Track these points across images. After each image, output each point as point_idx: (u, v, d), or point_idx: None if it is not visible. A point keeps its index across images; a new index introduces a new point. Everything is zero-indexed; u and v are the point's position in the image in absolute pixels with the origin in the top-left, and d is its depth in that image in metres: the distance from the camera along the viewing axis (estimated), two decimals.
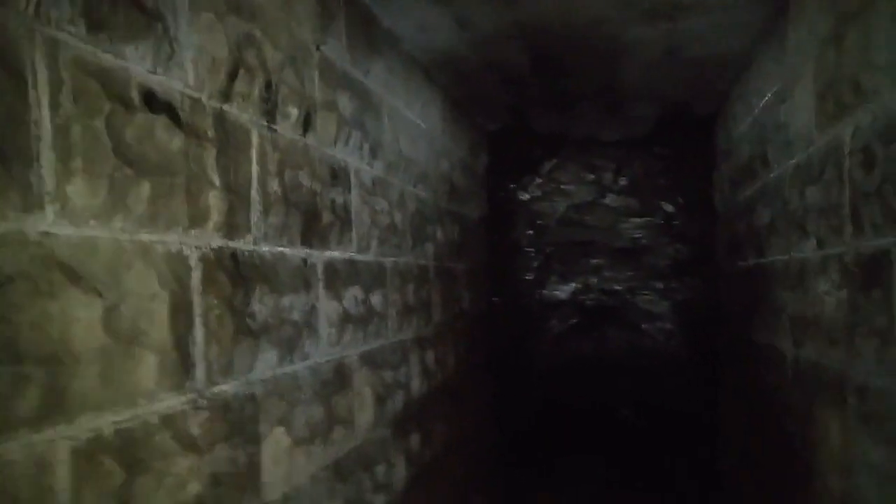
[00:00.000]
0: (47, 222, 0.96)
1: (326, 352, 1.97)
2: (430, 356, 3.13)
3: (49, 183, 0.96)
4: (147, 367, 1.17)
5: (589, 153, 5.65)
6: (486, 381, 4.56)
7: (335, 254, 2.05)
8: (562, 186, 5.78)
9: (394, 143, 2.63)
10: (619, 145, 5.57)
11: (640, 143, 5.48)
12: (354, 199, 2.22)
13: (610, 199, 5.85)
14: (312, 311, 1.87)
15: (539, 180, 5.70)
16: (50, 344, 0.95)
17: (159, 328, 1.21)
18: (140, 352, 1.15)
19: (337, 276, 2.06)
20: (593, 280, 5.94)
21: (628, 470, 4.76)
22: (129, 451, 1.12)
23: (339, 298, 2.07)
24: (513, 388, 5.28)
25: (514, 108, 4.19)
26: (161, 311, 1.21)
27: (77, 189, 1.01)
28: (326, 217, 1.98)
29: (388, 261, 2.57)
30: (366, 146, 2.31)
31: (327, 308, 1.98)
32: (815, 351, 2.13)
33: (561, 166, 5.72)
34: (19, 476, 0.90)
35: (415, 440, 2.84)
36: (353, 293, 2.20)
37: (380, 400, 2.43)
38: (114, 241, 1.10)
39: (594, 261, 5.91)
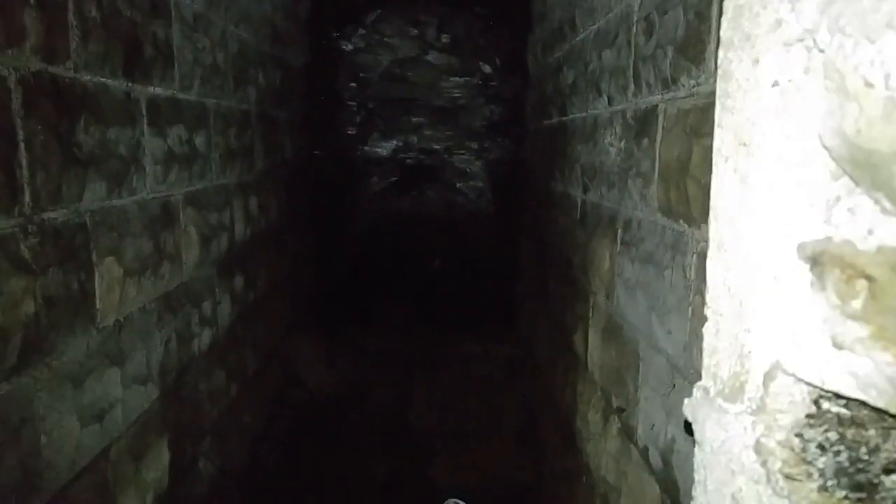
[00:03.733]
0: None
1: (153, 188, 1.98)
2: (253, 202, 3.18)
3: None
4: None
5: (413, 7, 5.63)
6: (307, 230, 4.69)
7: (158, 90, 2.01)
8: (385, 39, 5.76)
9: None
10: (443, 2, 5.59)
11: (463, 1, 5.54)
12: (176, 34, 2.14)
13: (432, 57, 5.94)
14: (138, 146, 1.86)
15: (363, 31, 5.63)
16: None
17: None
18: None
19: (160, 114, 2.03)
20: (413, 138, 6.12)
21: (439, 311, 5.24)
22: None
23: (163, 136, 2.06)
24: (334, 238, 5.47)
25: None
26: None
27: None
28: (148, 51, 1.92)
29: (211, 102, 2.53)
30: None
31: (152, 145, 1.97)
32: (597, 194, 2.50)
33: (385, 18, 5.66)
34: None
35: (239, 281, 2.95)
36: (178, 132, 2.18)
37: (205, 240, 2.49)
38: None
39: (415, 119, 6.06)
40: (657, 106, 1.82)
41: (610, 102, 2.35)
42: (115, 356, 1.72)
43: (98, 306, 1.64)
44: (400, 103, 5.99)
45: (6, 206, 1.27)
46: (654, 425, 1.92)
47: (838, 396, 0.41)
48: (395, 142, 6.12)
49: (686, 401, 0.59)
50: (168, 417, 2.07)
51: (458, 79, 6.04)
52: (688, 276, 1.66)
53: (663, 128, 1.79)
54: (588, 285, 2.62)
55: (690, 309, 1.64)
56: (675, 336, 1.75)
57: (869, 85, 0.36)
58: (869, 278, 0.36)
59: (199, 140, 2.38)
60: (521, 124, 5.31)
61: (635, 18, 2.02)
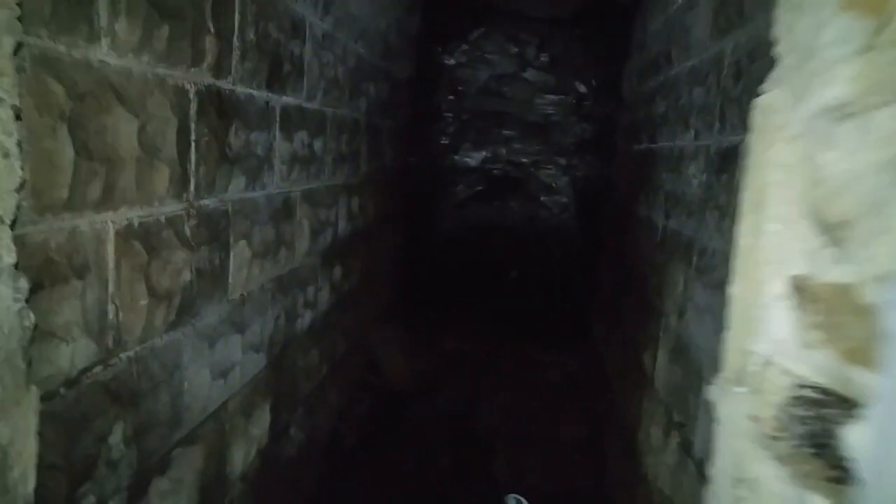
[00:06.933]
0: (103, 52, 1.21)
1: (279, 185, 2.28)
2: (355, 202, 3.48)
3: (104, 20, 1.20)
4: (161, 177, 1.46)
5: (516, 26, 5.86)
6: (399, 231, 4.98)
7: (289, 100, 2.31)
8: (486, 55, 6.00)
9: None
10: (545, 22, 5.78)
11: (565, 23, 5.72)
12: (308, 51, 2.44)
13: (529, 74, 6.14)
14: (271, 148, 2.16)
15: (465, 47, 5.90)
16: (108, 149, 1.23)
17: (170, 147, 1.49)
18: (158, 164, 1.44)
19: (290, 120, 2.34)
20: (503, 151, 6.32)
21: (513, 320, 5.43)
22: (149, 239, 1.44)
23: (290, 140, 2.36)
24: (422, 240, 5.74)
25: None
26: (171, 133, 1.49)
27: (122, 26, 1.25)
28: (286, 66, 2.22)
29: (329, 111, 2.83)
30: (320, 1, 2.51)
31: (281, 147, 2.27)
32: (677, 222, 2.65)
33: (488, 35, 5.91)
34: (87, 242, 1.21)
35: (337, 272, 3.24)
36: (301, 137, 2.48)
37: (314, 233, 2.78)
38: (142, 72, 1.35)
39: (506, 132, 6.26)
40: (738, 146, 1.97)
41: (696, 136, 2.50)
42: (238, 325, 2.02)
43: (230, 281, 1.94)
44: (493, 116, 6.21)
45: (178, 193, 1.57)
46: (710, 441, 2.06)
47: (810, 385, 0.59)
48: (484, 153, 6.34)
49: (710, 388, 0.78)
50: (271, 384, 2.36)
51: (552, 96, 6.21)
52: None
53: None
54: (661, 306, 2.76)
55: None
56: None
57: (826, 179, 0.55)
58: (825, 302, 0.55)
59: (317, 144, 2.68)
60: (611, 145, 5.43)
61: (726, 62, 2.17)
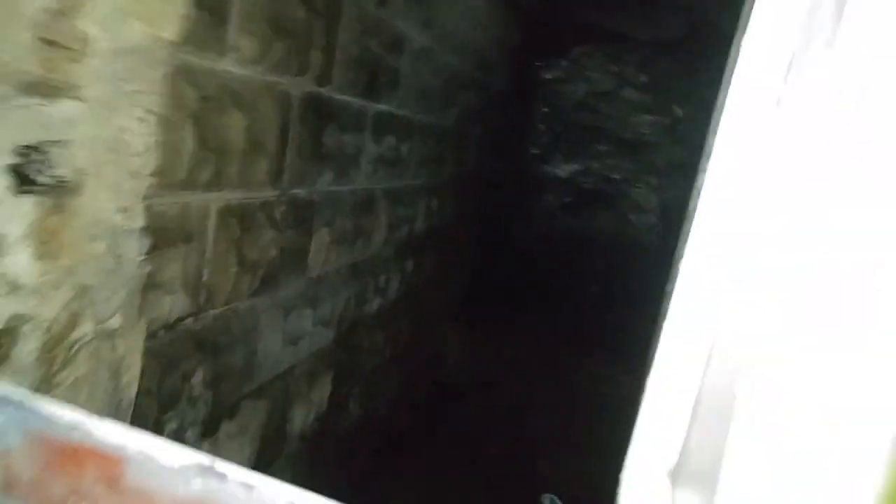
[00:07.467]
0: (229, 64, 1.49)
1: (363, 182, 2.54)
2: (434, 202, 3.72)
3: (233, 38, 1.48)
4: (261, 168, 1.74)
5: (617, 47, 5.94)
6: (475, 233, 5.19)
7: (382, 107, 2.57)
8: (586, 72, 6.12)
9: (442, 17, 3.05)
10: (647, 45, 5.84)
11: (667, 47, 5.75)
12: (404, 64, 2.70)
13: (627, 93, 6.20)
14: (360, 149, 2.42)
15: (565, 63, 6.04)
16: (220, 142, 1.52)
17: (271, 142, 1.77)
18: (259, 157, 1.72)
19: (380, 125, 2.60)
20: (595, 165, 6.39)
21: (583, 332, 5.53)
22: (243, 218, 1.72)
23: (378, 143, 2.62)
24: (499, 245, 5.93)
25: None
26: (274, 131, 1.77)
27: (244, 43, 1.53)
28: (383, 77, 2.48)
29: (418, 118, 3.08)
30: (421, 19, 2.76)
31: (369, 149, 2.53)
32: None
33: (589, 53, 6.02)
34: (194, 215, 1.50)
35: (409, 265, 3.49)
36: (389, 140, 2.74)
37: (391, 227, 3.04)
38: (256, 80, 1.63)
39: (600, 147, 6.33)
40: None
41: None
42: (312, 301, 2.29)
43: (310, 261, 2.21)
44: (587, 131, 6.29)
45: (273, 182, 1.84)
46: None
47: None
48: (575, 165, 6.43)
49: None
50: (335, 358, 2.64)
51: (648, 116, 6.23)
52: None
53: None
54: None
55: None
56: None
57: None
58: None
59: (404, 148, 2.93)
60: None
61: None
